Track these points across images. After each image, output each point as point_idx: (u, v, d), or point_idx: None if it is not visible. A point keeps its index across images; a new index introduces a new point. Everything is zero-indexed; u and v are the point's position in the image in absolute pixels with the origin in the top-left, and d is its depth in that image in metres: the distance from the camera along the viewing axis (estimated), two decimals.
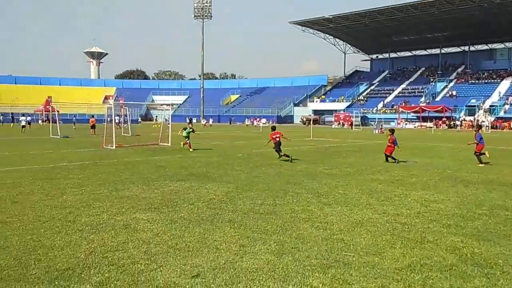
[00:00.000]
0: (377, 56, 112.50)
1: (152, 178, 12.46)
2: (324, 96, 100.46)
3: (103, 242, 6.31)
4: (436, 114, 73.09)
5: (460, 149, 18.45)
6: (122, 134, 36.20)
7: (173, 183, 11.57)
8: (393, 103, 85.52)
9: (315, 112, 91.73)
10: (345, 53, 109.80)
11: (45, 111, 69.12)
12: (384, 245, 6.33)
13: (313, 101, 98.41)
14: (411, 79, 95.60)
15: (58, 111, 46.69)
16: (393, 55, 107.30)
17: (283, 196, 9.86)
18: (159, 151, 21.45)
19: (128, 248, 6.04)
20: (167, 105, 72.07)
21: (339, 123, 75.23)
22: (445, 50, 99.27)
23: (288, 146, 23.97)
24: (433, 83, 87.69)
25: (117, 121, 43.70)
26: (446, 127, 68.78)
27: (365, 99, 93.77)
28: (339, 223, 7.52)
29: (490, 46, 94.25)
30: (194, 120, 70.26)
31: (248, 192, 10.36)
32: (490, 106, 74.08)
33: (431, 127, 63.79)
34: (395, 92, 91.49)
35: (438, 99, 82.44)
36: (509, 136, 45.42)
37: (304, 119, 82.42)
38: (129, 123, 42.48)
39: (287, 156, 17.33)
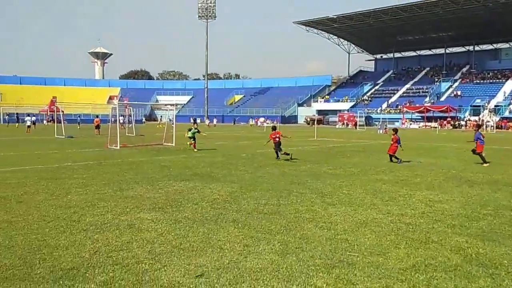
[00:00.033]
0: (381, 56, 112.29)
1: (156, 178, 12.48)
2: (328, 96, 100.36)
3: (108, 242, 6.32)
4: (441, 114, 72.88)
5: (465, 149, 18.38)
6: (127, 134, 36.25)
7: (177, 183, 11.59)
8: (397, 103, 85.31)
9: (319, 112, 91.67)
10: (349, 53, 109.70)
11: (50, 111, 69.42)
12: (388, 245, 6.32)
13: (317, 101, 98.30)
14: (416, 79, 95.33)
15: (62, 111, 46.83)
16: (397, 55, 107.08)
17: (287, 196, 9.85)
18: (163, 151, 21.48)
19: (133, 248, 6.06)
20: (171, 105, 72.13)
21: (343, 123, 75.07)
22: (450, 50, 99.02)
23: (292, 146, 23.97)
24: (438, 83, 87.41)
25: (121, 121, 43.80)
26: (451, 127, 68.55)
27: (369, 99, 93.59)
28: (343, 223, 7.51)
29: (495, 46, 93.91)
30: (198, 120, 70.36)
31: (252, 192, 10.36)
32: (495, 106, 73.79)
33: (435, 127, 63.59)
34: (400, 92, 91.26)
35: (442, 99, 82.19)
36: None
37: (308, 119, 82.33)
38: (133, 123, 42.57)
39: (287, 154, 17.36)
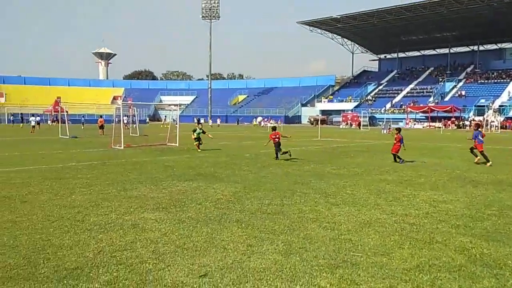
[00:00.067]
0: (385, 56, 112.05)
1: (160, 178, 12.50)
2: (332, 96, 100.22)
3: (112, 242, 6.34)
4: (445, 114, 72.64)
5: (469, 149, 18.31)
6: (130, 134, 36.34)
7: (181, 183, 11.60)
8: (401, 103, 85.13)
9: (323, 112, 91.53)
10: (353, 53, 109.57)
11: (54, 112, 69.54)
12: (392, 245, 6.30)
13: (320, 101, 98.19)
14: (420, 79, 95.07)
15: (67, 112, 47.02)
16: (401, 54, 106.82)
17: (291, 196, 9.85)
18: (167, 151, 21.51)
19: (136, 248, 6.07)
20: (175, 105, 72.23)
21: (347, 123, 74.99)
22: (454, 49, 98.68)
23: (295, 146, 23.98)
24: (442, 83, 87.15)
25: (125, 121, 43.89)
26: (455, 127, 68.34)
27: (373, 99, 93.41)
28: (347, 223, 7.50)
29: (500, 45, 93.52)
30: (202, 121, 70.39)
31: (256, 192, 10.36)
32: (500, 106, 73.49)
33: (440, 127, 63.41)
34: (404, 92, 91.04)
35: (447, 99, 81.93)
36: None
37: (312, 119, 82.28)
38: (137, 124, 42.65)
39: (285, 152, 17.49)
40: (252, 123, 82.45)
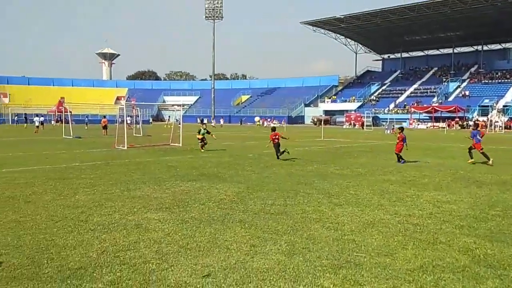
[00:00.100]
0: (388, 56, 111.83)
1: (163, 178, 12.52)
2: (335, 97, 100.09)
3: (115, 242, 6.35)
4: (449, 115, 72.42)
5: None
6: (134, 134, 36.42)
7: (184, 183, 11.61)
8: (405, 103, 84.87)
9: (326, 112, 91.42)
10: (356, 53, 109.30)
11: (57, 112, 69.89)
12: (396, 246, 6.29)
13: (324, 102, 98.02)
14: (423, 79, 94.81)
15: (70, 112, 47.09)
16: (405, 55, 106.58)
17: (294, 197, 9.84)
18: (170, 152, 21.54)
19: (140, 248, 6.08)
20: (178, 105, 72.37)
21: (350, 124, 74.85)
22: (458, 49, 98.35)
23: (299, 146, 23.97)
24: (446, 83, 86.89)
25: (128, 121, 43.99)
26: (459, 127, 68.11)
27: (376, 99, 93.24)
28: (350, 224, 7.49)
29: (504, 45, 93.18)
30: (205, 121, 70.46)
31: (259, 192, 10.36)
32: (504, 106, 73.17)
33: (443, 128, 63.20)
34: (407, 92, 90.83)
35: (450, 99, 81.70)
36: None
37: (315, 120, 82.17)
38: (140, 124, 42.74)
39: (283, 152, 17.63)
40: (256, 123, 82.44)
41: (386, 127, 53.45)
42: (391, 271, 5.29)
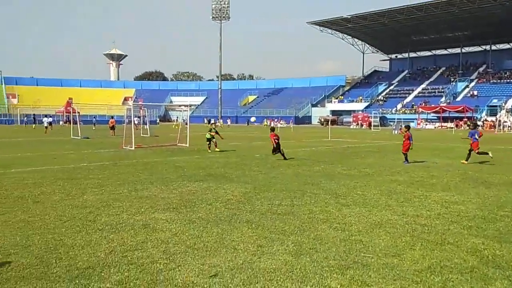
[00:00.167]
0: (396, 56, 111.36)
1: (171, 178, 12.55)
2: (342, 97, 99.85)
3: (123, 242, 6.38)
4: (457, 115, 71.99)
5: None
6: (141, 135, 36.55)
7: (191, 183, 11.64)
8: (412, 103, 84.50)
9: (333, 112, 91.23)
10: (363, 53, 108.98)
11: (66, 112, 70.22)
12: (403, 246, 6.26)
13: (331, 102, 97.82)
14: (431, 79, 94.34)
15: (78, 112, 47.38)
16: (412, 54, 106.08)
17: (301, 197, 9.83)
18: (178, 152, 21.60)
19: (147, 248, 6.10)
20: (185, 106, 72.52)
21: (357, 124, 74.62)
22: (466, 49, 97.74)
23: (306, 147, 23.93)
24: (454, 83, 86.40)
25: (136, 122, 44.17)
26: (467, 127, 67.67)
27: (384, 99, 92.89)
28: (357, 224, 7.47)
29: None
30: (212, 121, 70.50)
31: (266, 192, 10.36)
32: None
33: (451, 128, 62.83)
34: (415, 92, 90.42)
35: (459, 99, 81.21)
36: None
37: (322, 120, 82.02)
38: (148, 124, 42.88)
39: (282, 153, 17.81)
40: (263, 123, 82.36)
41: (394, 127, 53.20)
42: (398, 271, 5.27)
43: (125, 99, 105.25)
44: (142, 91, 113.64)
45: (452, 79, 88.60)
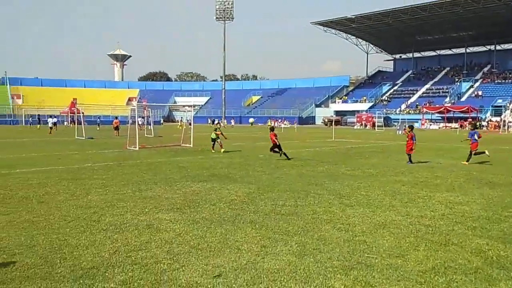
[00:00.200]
0: (400, 56, 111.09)
1: (175, 178, 12.57)
2: (346, 97, 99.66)
3: (127, 242, 6.40)
4: (462, 115, 71.73)
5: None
6: (145, 135, 36.63)
7: (195, 184, 11.66)
8: (417, 103, 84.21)
9: (337, 113, 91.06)
10: (367, 53, 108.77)
11: (70, 113, 70.46)
12: (407, 247, 6.25)
13: (335, 102, 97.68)
14: (436, 79, 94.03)
15: (83, 113, 47.48)
16: (416, 54, 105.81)
17: (305, 197, 9.82)
18: (181, 152, 21.63)
19: (151, 248, 6.12)
20: (189, 106, 72.63)
21: (361, 124, 74.48)
22: (471, 49, 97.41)
23: (310, 147, 23.92)
24: (458, 83, 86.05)
25: (140, 122, 44.27)
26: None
27: (388, 99, 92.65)
28: (361, 225, 7.46)
29: None
30: (216, 121, 70.59)
31: (270, 193, 10.36)
32: None
33: (456, 128, 62.61)
34: (419, 93, 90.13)
35: (463, 99, 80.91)
36: None
37: (326, 120, 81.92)
38: (152, 125, 42.96)
39: (277, 151, 17.93)
40: (267, 124, 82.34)
41: (398, 128, 53.06)
42: (402, 272, 5.26)
43: (129, 99, 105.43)
44: (146, 91, 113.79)
45: (457, 79, 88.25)
